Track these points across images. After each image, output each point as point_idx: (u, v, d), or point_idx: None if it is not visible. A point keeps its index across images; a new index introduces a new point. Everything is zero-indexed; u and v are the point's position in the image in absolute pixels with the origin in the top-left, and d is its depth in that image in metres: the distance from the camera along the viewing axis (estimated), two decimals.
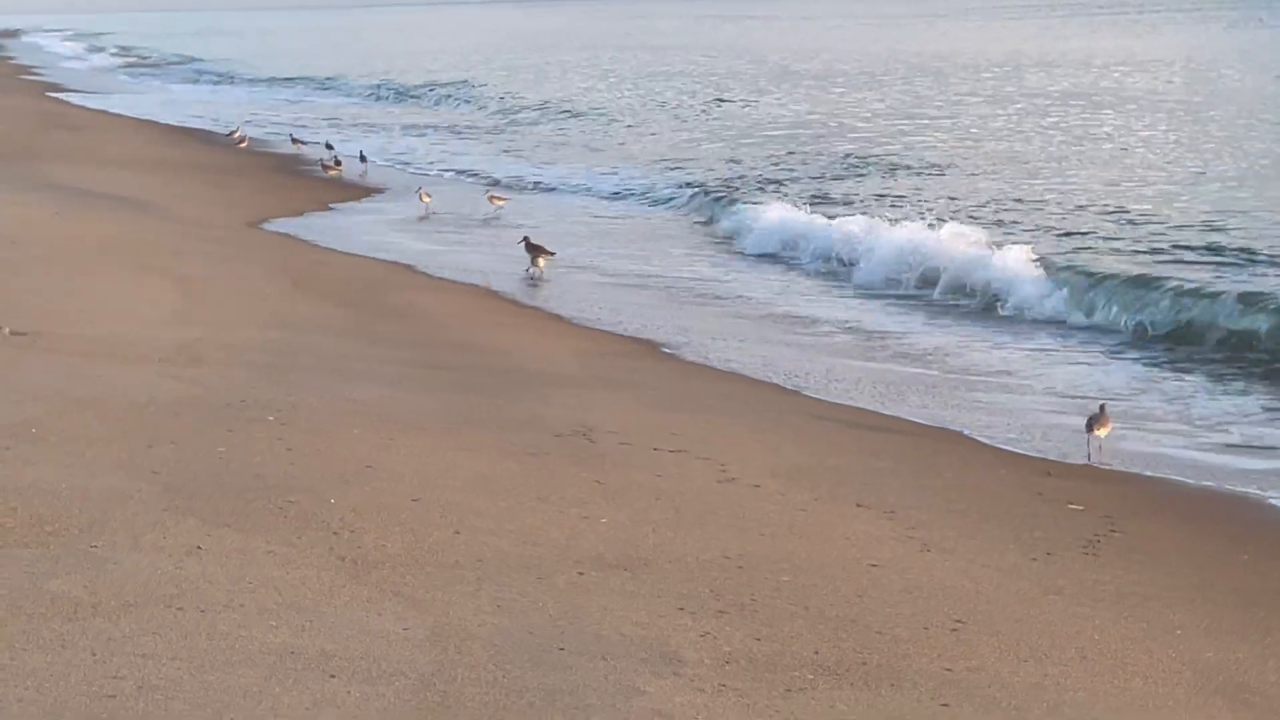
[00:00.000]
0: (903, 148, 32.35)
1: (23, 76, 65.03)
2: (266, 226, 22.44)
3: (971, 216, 22.26)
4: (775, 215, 22.72)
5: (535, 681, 6.20)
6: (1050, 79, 50.81)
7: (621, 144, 36.30)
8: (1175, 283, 17.04)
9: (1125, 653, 7.06)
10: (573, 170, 31.45)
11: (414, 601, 7.01)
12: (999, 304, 17.44)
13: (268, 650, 6.29)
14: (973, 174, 28.04)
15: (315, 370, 12.24)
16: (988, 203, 24.25)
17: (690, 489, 9.27)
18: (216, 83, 64.76)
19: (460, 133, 40.68)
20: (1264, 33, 77.54)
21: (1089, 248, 20.03)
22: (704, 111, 43.85)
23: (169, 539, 7.59)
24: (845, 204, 24.80)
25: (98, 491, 8.23)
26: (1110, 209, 23.11)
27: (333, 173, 29.01)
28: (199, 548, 7.50)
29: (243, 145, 34.60)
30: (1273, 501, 10.19)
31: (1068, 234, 21.11)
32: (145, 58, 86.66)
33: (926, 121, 37.82)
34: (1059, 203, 24.00)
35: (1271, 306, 15.54)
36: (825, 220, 22.10)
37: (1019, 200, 24.44)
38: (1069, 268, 18.19)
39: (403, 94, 53.93)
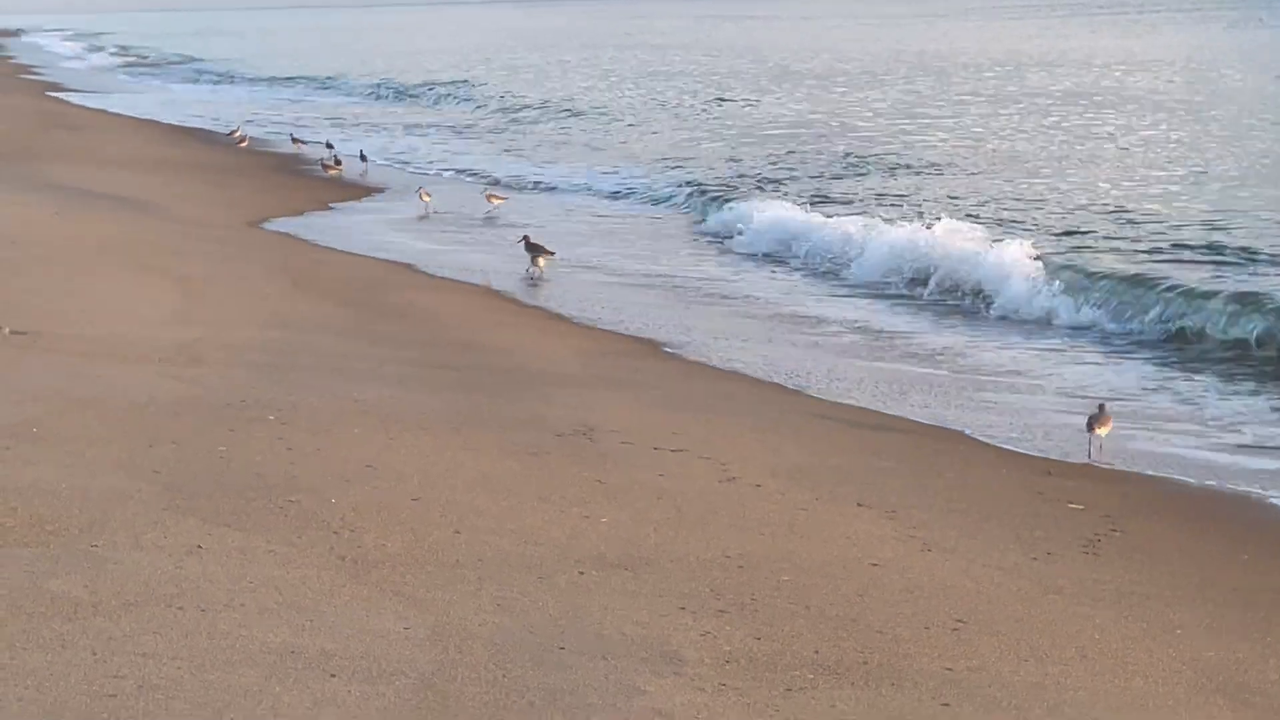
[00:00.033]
0: (903, 147, 32.35)
1: (23, 76, 65.03)
2: (267, 226, 22.44)
3: (971, 215, 22.21)
4: (773, 214, 22.71)
5: (536, 681, 6.20)
6: (1051, 79, 50.81)
7: (623, 143, 36.30)
8: (1179, 283, 17.02)
9: (1126, 652, 7.05)
10: (574, 169, 31.43)
11: (414, 601, 7.01)
12: (991, 304, 17.40)
13: (268, 649, 6.29)
14: (973, 173, 28.03)
15: (316, 370, 12.24)
16: (987, 202, 24.24)
17: (691, 488, 9.27)
18: (216, 82, 64.73)
19: (461, 132, 40.68)
20: (1264, 32, 77.55)
21: (1089, 247, 20.02)
22: (704, 111, 43.84)
23: (169, 538, 7.59)
24: (845, 203, 24.81)
25: (98, 491, 8.23)
26: (1112, 208, 23.10)
27: (333, 172, 29.01)
28: (199, 547, 7.50)
29: (243, 145, 34.60)
30: (1273, 501, 10.18)
31: (1068, 233, 21.10)
32: (145, 57, 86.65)
33: (927, 121, 37.80)
34: (1059, 202, 23.99)
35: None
36: (823, 219, 22.09)
37: (1020, 199, 24.43)
38: (1069, 267, 18.14)
39: (403, 93, 53.91)
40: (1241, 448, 11.49)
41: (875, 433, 11.51)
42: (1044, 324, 16.58)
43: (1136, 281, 17.27)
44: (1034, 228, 21.39)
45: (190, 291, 15.56)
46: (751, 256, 21.28)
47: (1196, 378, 13.94)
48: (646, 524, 8.44)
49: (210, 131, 38.93)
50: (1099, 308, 16.62)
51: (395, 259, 19.62)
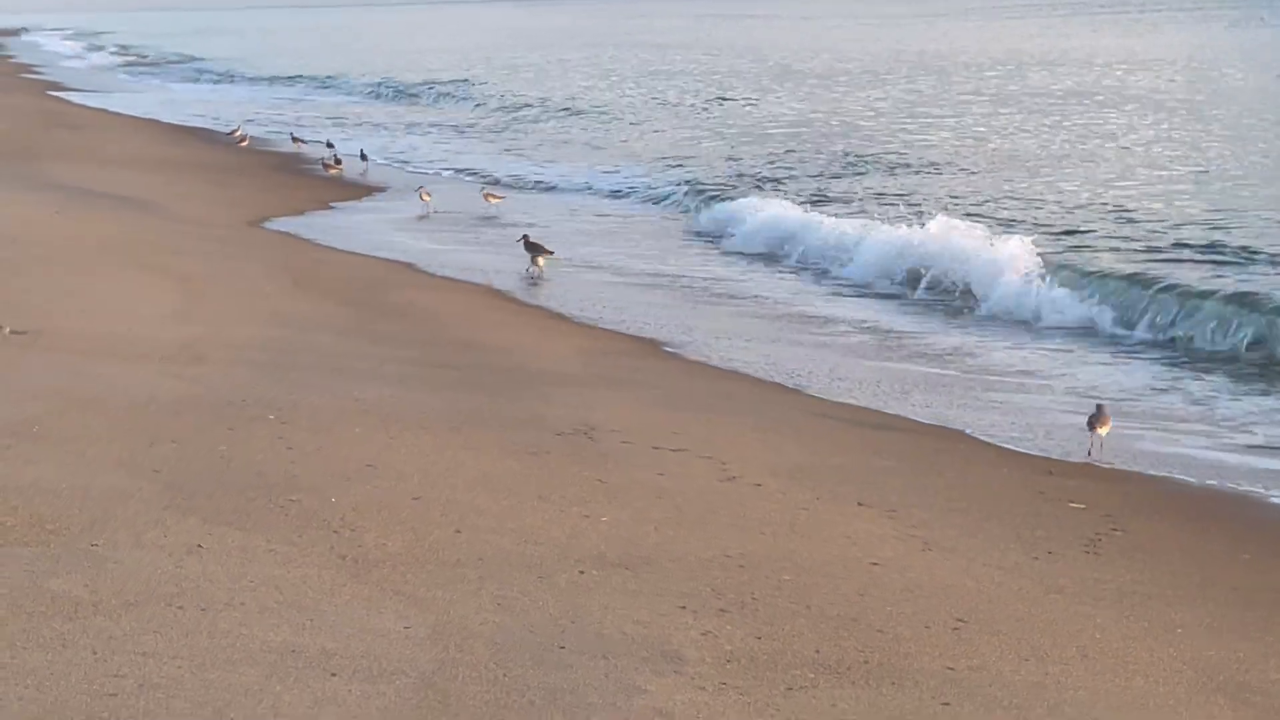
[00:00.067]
0: (903, 146, 32.35)
1: (23, 75, 65.03)
2: (268, 225, 22.45)
3: (971, 215, 22.19)
4: (770, 213, 22.74)
5: (536, 680, 6.20)
6: (1052, 78, 50.80)
7: (623, 141, 36.31)
8: (1179, 282, 17.03)
9: (1126, 651, 7.05)
10: (574, 169, 31.44)
11: (415, 600, 7.01)
12: (986, 302, 17.39)
13: (269, 648, 6.29)
14: (973, 172, 28.02)
15: (316, 369, 12.24)
16: (987, 201, 24.23)
17: (692, 488, 9.27)
18: (217, 81, 64.75)
19: (461, 131, 40.69)
20: (1265, 31, 77.53)
21: (1089, 246, 20.02)
22: (705, 110, 43.85)
23: (170, 537, 7.59)
24: (844, 202, 24.85)
25: (98, 490, 8.23)
26: (1113, 208, 23.09)
27: (333, 171, 29.01)
28: (200, 546, 7.50)
29: (244, 144, 34.60)
30: (1274, 500, 10.18)
31: (1069, 232, 21.11)
32: (145, 56, 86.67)
33: (928, 120, 37.80)
34: (1060, 201, 23.99)
35: None
36: (820, 218, 22.11)
37: (1020, 198, 24.43)
38: (1069, 266, 18.17)
39: (404, 93, 53.91)
40: (1251, 448, 11.48)
41: (875, 432, 11.51)
42: (1044, 323, 16.58)
43: (1137, 280, 17.27)
44: (1034, 226, 21.37)
45: (191, 291, 15.56)
46: (749, 256, 21.28)
47: (1206, 377, 13.93)
48: (647, 523, 8.44)
49: (211, 131, 38.93)
50: (1100, 306, 16.62)
51: (396, 258, 19.63)
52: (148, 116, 43.09)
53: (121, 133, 37.31)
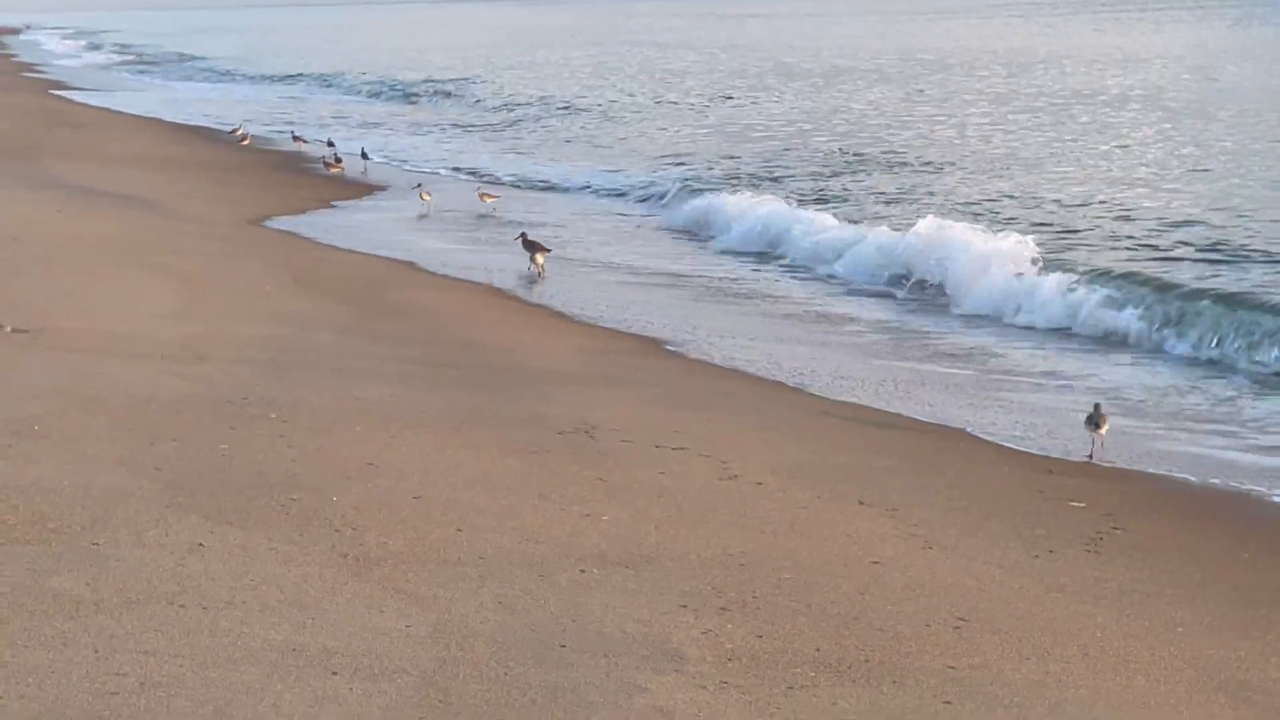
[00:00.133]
0: (903, 144, 32.37)
1: (25, 74, 65.05)
2: (269, 224, 22.45)
3: (972, 214, 22.24)
4: (765, 210, 22.77)
5: (537, 678, 6.20)
6: (1053, 77, 50.79)
7: (623, 139, 36.31)
8: (1177, 281, 17.03)
9: (1127, 650, 7.06)
10: (575, 168, 31.44)
11: (416, 599, 7.01)
12: (975, 300, 17.39)
13: (270, 647, 6.30)
14: (974, 171, 28.01)
15: (317, 368, 12.24)
16: (987, 199, 24.24)
17: (692, 486, 9.28)
18: (218, 80, 64.79)
19: (462, 130, 40.70)
20: (1267, 30, 77.51)
21: (1088, 244, 20.02)
22: (707, 108, 43.86)
23: (171, 536, 7.60)
24: (842, 200, 24.88)
25: (100, 489, 8.24)
26: (1113, 206, 23.09)
27: (334, 170, 29.01)
28: (201, 545, 7.50)
29: (245, 143, 34.60)
30: (1275, 499, 10.18)
31: (1070, 231, 21.10)
32: (145, 55, 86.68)
33: (928, 119, 37.80)
34: (1059, 200, 23.97)
35: None
36: (813, 216, 22.12)
37: (1020, 197, 24.41)
38: (1066, 264, 18.13)
39: (405, 92, 53.92)
40: (1264, 449, 11.47)
41: (876, 430, 11.52)
42: (1043, 323, 16.57)
43: (1134, 279, 17.24)
44: (1034, 226, 21.35)
45: (192, 289, 15.56)
46: (743, 255, 21.29)
47: (1215, 378, 13.91)
48: (647, 522, 8.44)
49: (212, 129, 38.94)
50: (1101, 305, 16.58)
51: (397, 257, 19.63)
52: (149, 115, 43.12)
53: (123, 131, 37.32)
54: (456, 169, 31.88)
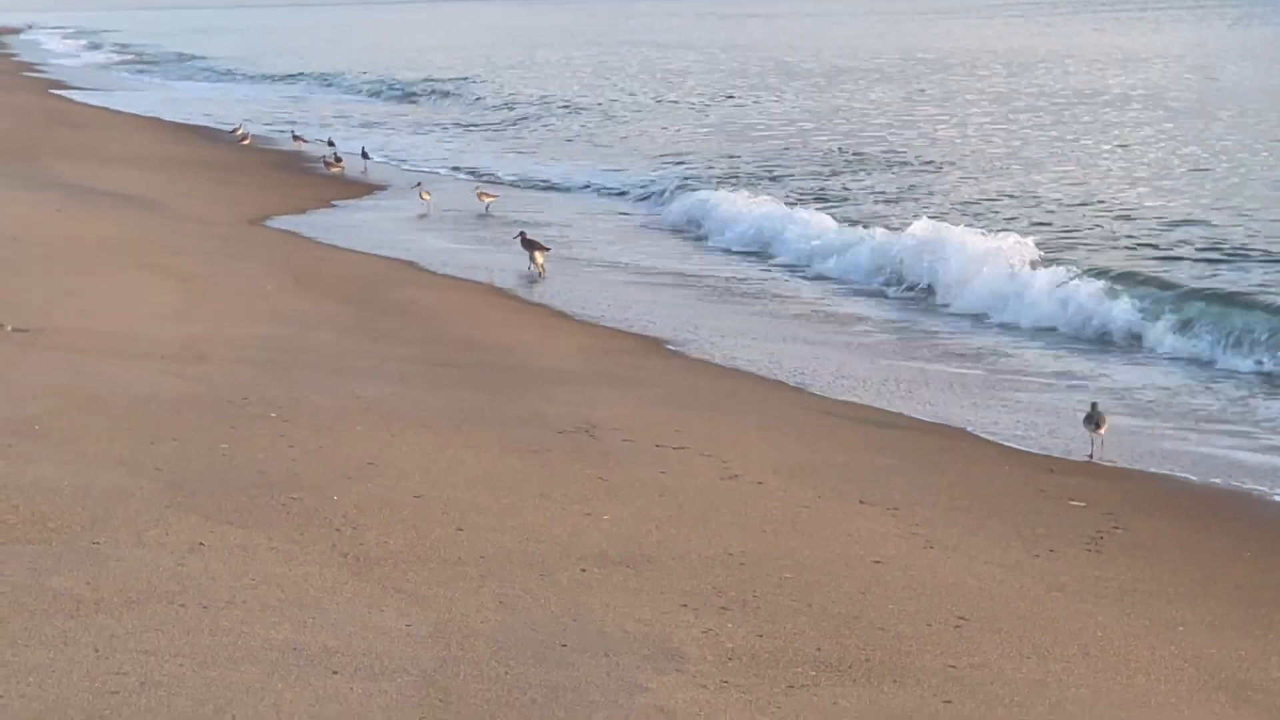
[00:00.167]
0: (902, 144, 32.36)
1: (25, 73, 65.05)
2: (269, 223, 22.45)
3: (971, 213, 22.25)
4: (761, 210, 22.77)
5: (538, 678, 6.20)
6: (1054, 76, 50.78)
7: (624, 139, 36.32)
8: (1176, 281, 17.03)
9: (1128, 649, 7.05)
10: (576, 167, 31.44)
11: (416, 598, 7.01)
12: (978, 300, 17.38)
13: (270, 646, 6.30)
14: (973, 171, 28.01)
15: (317, 367, 12.24)
16: (986, 199, 24.24)
17: (693, 486, 9.27)
18: (218, 80, 64.78)
19: (463, 130, 40.70)
20: (1267, 30, 77.51)
21: (1087, 244, 20.02)
22: (708, 107, 43.85)
23: (171, 535, 7.59)
24: (841, 199, 24.87)
25: (100, 488, 8.23)
26: (1115, 207, 23.07)
27: (335, 170, 29.01)
28: (201, 544, 7.50)
29: (245, 142, 34.60)
30: (1276, 498, 10.18)
31: (1071, 231, 21.10)
32: (145, 55, 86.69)
33: (928, 119, 37.80)
34: (1060, 199, 23.98)
35: None
36: (808, 215, 22.12)
37: (1020, 197, 24.42)
38: (1066, 264, 18.10)
39: (405, 91, 53.91)
40: (1265, 449, 11.46)
41: (877, 430, 11.51)
42: (1043, 322, 16.55)
43: (1134, 278, 17.23)
44: (1034, 225, 21.36)
45: (192, 289, 15.56)
46: (740, 254, 21.28)
47: (1219, 380, 13.88)
48: (648, 521, 8.44)
49: (213, 129, 38.94)
50: (1098, 305, 16.55)
51: (397, 256, 19.63)
52: (149, 115, 43.11)
53: (123, 131, 37.32)
54: (457, 168, 31.87)
